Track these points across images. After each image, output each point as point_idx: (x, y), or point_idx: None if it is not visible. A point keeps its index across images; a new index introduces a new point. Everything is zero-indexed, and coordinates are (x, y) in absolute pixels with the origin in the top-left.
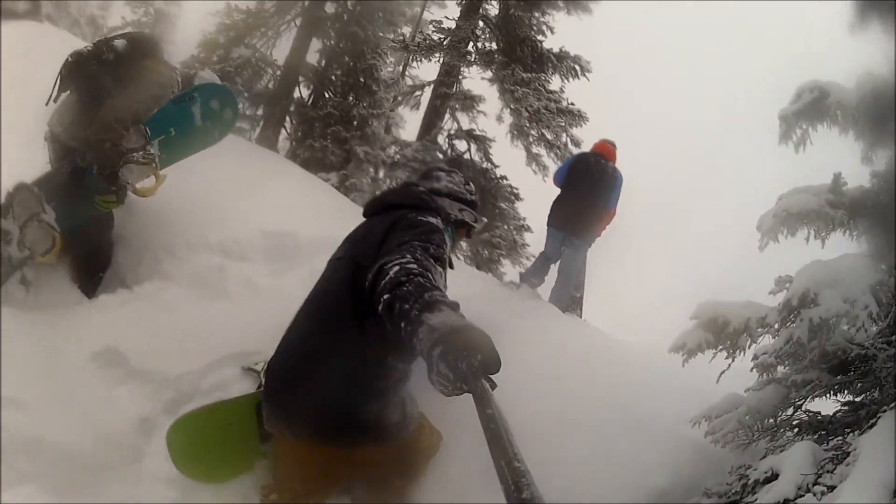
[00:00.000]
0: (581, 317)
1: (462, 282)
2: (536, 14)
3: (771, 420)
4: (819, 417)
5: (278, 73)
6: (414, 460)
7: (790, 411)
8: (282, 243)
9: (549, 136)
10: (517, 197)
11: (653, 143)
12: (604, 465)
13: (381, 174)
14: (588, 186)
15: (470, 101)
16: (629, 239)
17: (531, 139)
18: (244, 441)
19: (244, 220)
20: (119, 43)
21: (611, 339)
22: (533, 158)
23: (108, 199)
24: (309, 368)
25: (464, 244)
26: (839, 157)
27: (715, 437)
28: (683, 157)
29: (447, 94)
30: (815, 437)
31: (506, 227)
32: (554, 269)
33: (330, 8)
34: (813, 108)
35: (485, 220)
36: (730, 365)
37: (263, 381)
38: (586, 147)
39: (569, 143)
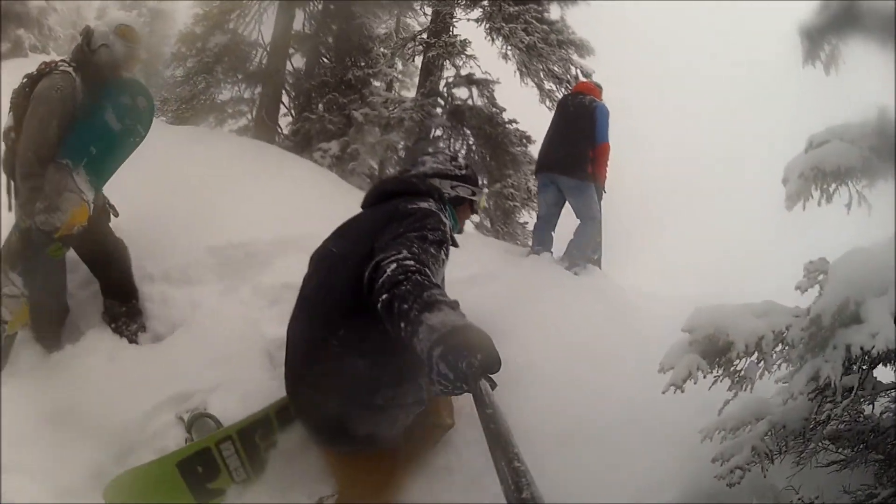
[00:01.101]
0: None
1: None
2: None
3: (799, 433)
4: (860, 421)
5: (267, 50)
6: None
7: (824, 415)
8: (230, 257)
9: (556, 70)
10: (529, 140)
11: (675, 78)
12: (611, 475)
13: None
14: (564, 120)
15: (452, 48)
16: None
17: (541, 75)
18: (174, 497)
19: (190, 238)
20: (7, 124)
21: (631, 309)
22: (546, 95)
23: (56, 247)
24: (310, 367)
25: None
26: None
27: (721, 472)
28: (708, 92)
29: (429, 44)
30: (854, 450)
31: (519, 174)
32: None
33: None
34: (842, 18)
35: (485, 190)
36: (736, 394)
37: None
38: (597, 77)
39: (579, 76)
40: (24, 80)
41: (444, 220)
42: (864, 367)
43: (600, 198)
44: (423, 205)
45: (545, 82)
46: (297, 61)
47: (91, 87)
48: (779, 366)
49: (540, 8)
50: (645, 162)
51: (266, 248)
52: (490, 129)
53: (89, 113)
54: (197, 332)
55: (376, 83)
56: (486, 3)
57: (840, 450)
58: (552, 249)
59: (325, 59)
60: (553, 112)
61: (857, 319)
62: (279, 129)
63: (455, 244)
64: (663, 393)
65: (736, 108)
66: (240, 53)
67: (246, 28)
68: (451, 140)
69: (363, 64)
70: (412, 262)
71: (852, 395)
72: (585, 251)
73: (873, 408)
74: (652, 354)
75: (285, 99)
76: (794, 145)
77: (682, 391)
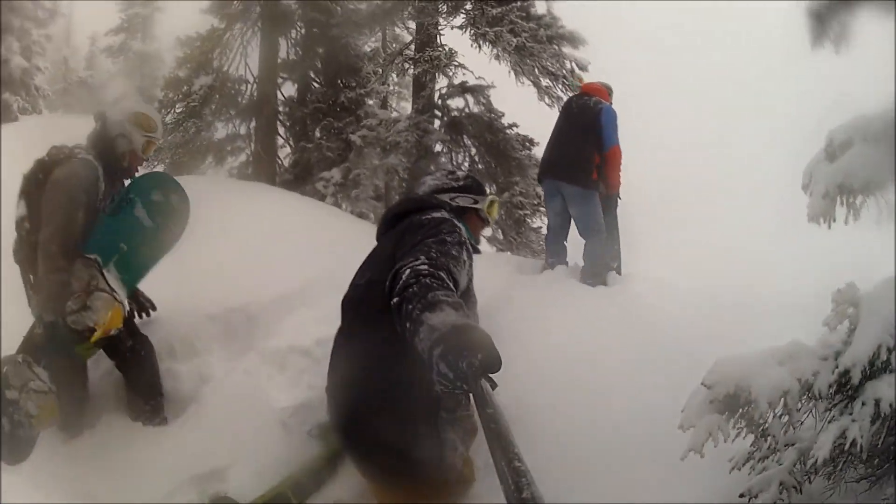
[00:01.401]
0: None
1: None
2: None
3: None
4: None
5: (255, 84)
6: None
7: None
8: (233, 323)
9: (550, 67)
10: (531, 143)
11: (671, 71)
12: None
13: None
14: (567, 123)
15: (438, 62)
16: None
17: (536, 72)
18: None
19: (189, 305)
20: (19, 213)
21: (646, 323)
22: (544, 92)
23: (86, 347)
24: (348, 387)
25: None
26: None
27: None
28: (714, 89)
29: (415, 60)
30: (884, 466)
31: (526, 179)
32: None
33: None
34: None
35: (490, 197)
36: (759, 448)
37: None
38: (593, 68)
39: (575, 69)
40: (35, 165)
41: (458, 224)
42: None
43: (616, 205)
44: (436, 215)
45: (541, 79)
46: (289, 90)
47: (114, 178)
48: (805, 418)
49: (525, 4)
50: (642, 159)
51: (268, 308)
52: (490, 136)
53: (118, 208)
54: (208, 409)
55: (370, 101)
56: (468, 7)
57: (869, 468)
58: (567, 260)
59: (315, 84)
60: (558, 112)
61: (888, 368)
62: (279, 161)
63: (477, 250)
64: (682, 460)
65: (739, 100)
66: (227, 91)
67: (231, 65)
68: (453, 154)
69: (354, 84)
70: (425, 267)
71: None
72: (599, 270)
73: None
74: (666, 364)
75: (281, 130)
76: (802, 132)
77: (703, 456)
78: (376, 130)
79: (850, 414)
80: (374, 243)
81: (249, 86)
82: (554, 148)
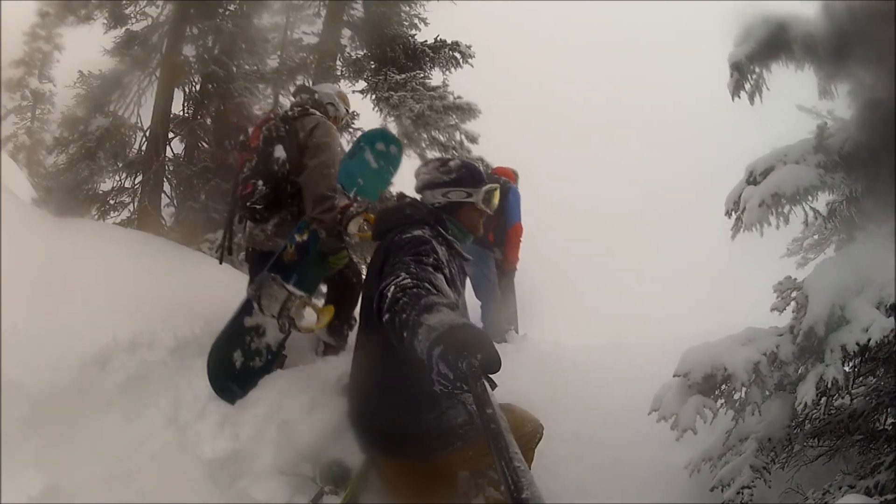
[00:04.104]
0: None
1: None
2: (404, 8)
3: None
4: (833, 413)
5: (146, 135)
6: None
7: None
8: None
9: (441, 139)
10: None
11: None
12: None
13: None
14: None
15: (344, 121)
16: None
17: (423, 144)
18: None
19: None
20: (279, 155)
21: (551, 367)
22: None
23: (340, 256)
24: (362, 396)
25: None
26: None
27: (728, 496)
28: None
29: None
30: (838, 439)
31: None
32: None
33: (189, 51)
34: (768, 45)
35: (487, 187)
36: (737, 422)
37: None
38: (483, 141)
39: (464, 141)
40: (279, 120)
41: (437, 247)
42: (859, 361)
43: (512, 272)
44: (417, 232)
45: (427, 151)
46: (178, 146)
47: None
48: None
49: (423, 74)
50: (545, 220)
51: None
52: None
53: (353, 153)
54: None
55: None
56: (368, 74)
57: (823, 444)
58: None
59: (204, 143)
60: None
61: (843, 321)
62: (163, 221)
63: (465, 258)
64: (677, 441)
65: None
66: (120, 138)
67: (126, 110)
68: None
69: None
70: (409, 280)
71: (848, 388)
72: (498, 329)
73: (850, 398)
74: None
75: (167, 188)
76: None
77: (695, 433)
78: None
79: (822, 362)
80: None
81: (140, 136)
82: None
